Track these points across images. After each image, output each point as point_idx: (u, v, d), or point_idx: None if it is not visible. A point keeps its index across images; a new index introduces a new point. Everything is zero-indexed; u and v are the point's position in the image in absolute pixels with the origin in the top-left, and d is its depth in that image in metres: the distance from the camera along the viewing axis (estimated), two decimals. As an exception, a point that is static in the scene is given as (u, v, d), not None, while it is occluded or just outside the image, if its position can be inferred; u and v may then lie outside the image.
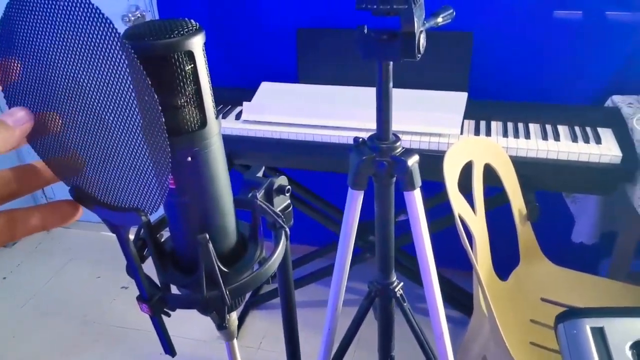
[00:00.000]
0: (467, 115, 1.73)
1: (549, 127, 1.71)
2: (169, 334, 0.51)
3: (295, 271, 2.30)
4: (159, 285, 0.51)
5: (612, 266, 1.97)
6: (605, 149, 1.59)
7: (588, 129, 1.69)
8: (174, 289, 0.53)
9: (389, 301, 1.06)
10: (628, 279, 1.75)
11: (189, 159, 0.45)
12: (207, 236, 0.47)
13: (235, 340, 0.60)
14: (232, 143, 1.80)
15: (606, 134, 1.67)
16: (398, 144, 0.88)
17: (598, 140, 1.63)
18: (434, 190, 1.61)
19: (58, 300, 2.46)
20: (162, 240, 0.55)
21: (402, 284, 1.06)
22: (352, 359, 1.94)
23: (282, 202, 0.60)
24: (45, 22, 0.36)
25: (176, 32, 0.41)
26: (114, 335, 2.23)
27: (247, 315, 2.27)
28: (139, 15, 2.19)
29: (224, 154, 0.49)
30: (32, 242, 2.88)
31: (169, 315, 0.50)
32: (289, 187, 0.61)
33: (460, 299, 2.07)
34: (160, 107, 0.37)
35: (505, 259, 1.66)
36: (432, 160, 1.45)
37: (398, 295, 1.04)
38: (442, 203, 1.49)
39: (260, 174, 0.63)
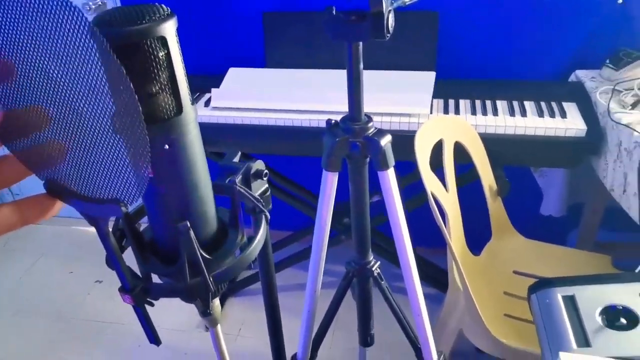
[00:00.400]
0: (435, 95, 1.75)
1: (515, 104, 1.74)
2: (152, 323, 0.50)
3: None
4: (140, 276, 0.51)
5: (579, 237, 2.03)
6: (570, 123, 1.63)
7: (553, 104, 1.73)
8: (156, 279, 0.52)
9: (367, 280, 1.07)
10: (595, 249, 1.81)
11: (166, 147, 0.44)
12: (188, 224, 0.46)
13: (219, 326, 0.60)
14: (202, 130, 1.77)
15: (571, 108, 1.71)
16: (370, 124, 0.88)
17: (563, 115, 1.67)
18: (406, 170, 1.63)
19: (31, 299, 2.41)
20: (141, 230, 0.54)
21: (378, 263, 1.08)
22: (332, 340, 1.96)
23: (260, 187, 0.60)
24: (9, 12, 0.35)
25: (147, 17, 0.40)
26: (91, 330, 2.20)
27: (225, 303, 2.27)
28: (99, 3, 2.13)
29: (201, 141, 0.49)
30: (-1, 241, 2.81)
31: (152, 305, 0.49)
32: (266, 171, 0.61)
33: (435, 276, 2.10)
34: (136, 95, 0.37)
35: (477, 234, 1.70)
36: (404, 141, 1.46)
37: (375, 274, 1.06)
38: (415, 182, 1.51)
39: (236, 160, 0.63)
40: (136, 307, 0.49)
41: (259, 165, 0.60)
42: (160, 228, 0.49)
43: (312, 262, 1.06)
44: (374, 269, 1.05)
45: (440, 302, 1.70)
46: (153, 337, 0.50)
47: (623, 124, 1.49)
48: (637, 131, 1.44)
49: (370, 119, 0.89)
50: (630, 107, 1.57)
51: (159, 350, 2.07)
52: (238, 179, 0.55)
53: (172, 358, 2.05)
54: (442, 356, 1.08)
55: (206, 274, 0.47)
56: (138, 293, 0.48)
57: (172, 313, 2.18)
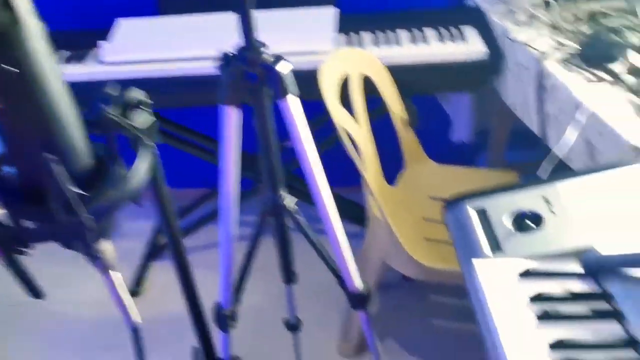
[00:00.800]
0: (338, 30, 1.71)
1: (417, 32, 1.74)
2: (27, 274, 0.45)
3: (191, 216, 2.24)
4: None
5: (489, 159, 2.10)
6: (471, 46, 1.66)
7: (453, 30, 1.74)
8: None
9: (281, 215, 1.04)
10: (504, 169, 1.89)
11: (7, 67, 0.38)
12: (52, 156, 0.41)
13: (115, 272, 0.56)
14: (96, 90, 1.66)
15: (470, 32, 1.73)
16: (266, 51, 0.84)
17: (464, 39, 1.69)
18: (318, 111, 1.60)
19: None
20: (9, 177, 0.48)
21: (295, 199, 1.05)
22: (255, 286, 1.91)
23: (142, 117, 0.54)
24: None
25: None
26: (10, 315, 2.07)
27: (148, 270, 2.20)
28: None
29: (55, 63, 0.42)
30: None
31: (23, 254, 0.44)
32: (147, 101, 0.56)
33: (356, 213, 2.11)
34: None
35: (393, 166, 1.72)
36: (311, 80, 1.42)
37: (290, 208, 1.03)
38: (328, 122, 1.49)
39: (115, 92, 0.57)
40: (7, 257, 0.43)
41: (136, 93, 0.54)
42: (23, 166, 0.44)
43: (222, 203, 1.01)
44: (287, 203, 1.02)
45: (362, 238, 1.72)
46: (31, 289, 0.45)
47: (519, 42, 1.53)
48: (533, 47, 1.48)
49: (263, 45, 0.84)
50: (524, 25, 1.61)
51: (81, 324, 1.99)
52: (111, 107, 0.50)
53: (96, 330, 1.98)
54: (365, 284, 1.09)
55: (80, 210, 0.42)
56: (4, 240, 0.42)
57: (94, 284, 2.09)
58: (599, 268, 0.81)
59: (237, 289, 1.05)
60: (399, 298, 1.97)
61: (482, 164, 2.15)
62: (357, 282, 1.05)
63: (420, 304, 1.95)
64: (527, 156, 2.17)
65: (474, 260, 0.86)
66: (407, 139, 1.70)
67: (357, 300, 1.07)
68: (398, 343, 1.81)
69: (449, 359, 1.74)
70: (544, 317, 0.75)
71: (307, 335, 1.63)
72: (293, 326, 1.52)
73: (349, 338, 1.70)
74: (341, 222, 1.06)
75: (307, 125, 0.91)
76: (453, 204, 1.07)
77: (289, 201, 1.03)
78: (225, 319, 1.06)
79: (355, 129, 1.47)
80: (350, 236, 2.12)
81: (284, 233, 1.06)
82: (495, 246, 0.90)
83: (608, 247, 0.81)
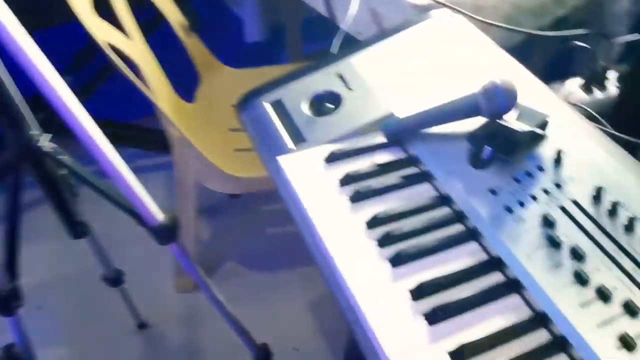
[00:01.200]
0: None
1: None
2: None
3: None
4: None
5: (288, 55, 2.02)
6: None
7: None
8: None
9: (40, 160, 0.83)
10: (304, 61, 1.82)
11: None
12: None
13: None
14: None
15: None
16: None
17: None
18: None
19: None
20: None
21: (50, 135, 0.83)
22: (61, 252, 1.67)
23: None
24: None
25: None
26: None
27: None
28: None
29: None
30: None
31: None
32: None
33: (159, 142, 1.92)
34: None
35: (190, 81, 1.56)
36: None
37: (47, 148, 0.82)
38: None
39: None
40: None
41: None
42: None
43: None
44: (41, 143, 0.81)
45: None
46: None
47: None
48: None
49: None
50: None
51: None
52: None
53: None
54: (168, 214, 0.94)
55: None
56: None
57: None
58: (400, 133, 0.77)
59: (9, 262, 0.84)
60: (229, 218, 1.89)
61: (282, 61, 2.07)
62: (156, 214, 0.91)
63: (251, 218, 1.88)
64: (326, 45, 2.13)
65: (278, 158, 0.78)
66: (194, 47, 1.53)
67: (163, 235, 0.93)
68: (237, 262, 1.74)
69: (288, 263, 1.71)
70: (357, 197, 0.70)
71: (138, 282, 1.49)
72: (114, 280, 1.35)
73: (182, 273, 1.58)
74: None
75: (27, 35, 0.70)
76: (245, 103, 0.97)
77: (43, 140, 0.81)
78: (5, 301, 0.85)
79: (127, 44, 1.26)
80: (163, 167, 1.95)
81: (49, 180, 0.85)
82: (298, 137, 0.82)
83: (408, 111, 0.76)
